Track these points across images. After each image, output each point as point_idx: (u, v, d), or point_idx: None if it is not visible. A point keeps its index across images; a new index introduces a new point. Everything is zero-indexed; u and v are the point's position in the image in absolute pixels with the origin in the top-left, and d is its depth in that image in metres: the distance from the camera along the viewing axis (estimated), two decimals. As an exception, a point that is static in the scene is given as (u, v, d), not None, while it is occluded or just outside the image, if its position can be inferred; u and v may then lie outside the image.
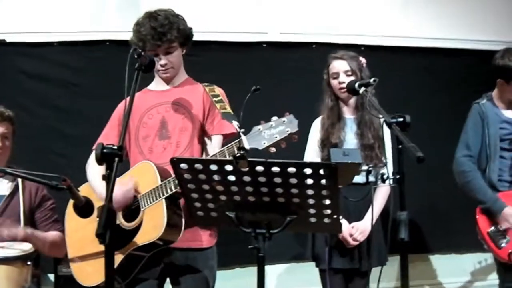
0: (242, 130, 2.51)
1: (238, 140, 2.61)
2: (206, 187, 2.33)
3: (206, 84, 3.16)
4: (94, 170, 3.12)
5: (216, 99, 2.97)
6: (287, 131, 2.38)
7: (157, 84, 3.29)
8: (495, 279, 4.11)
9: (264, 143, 2.39)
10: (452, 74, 5.41)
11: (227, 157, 2.65)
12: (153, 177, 2.89)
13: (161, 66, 3.13)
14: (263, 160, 2.19)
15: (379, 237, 3.65)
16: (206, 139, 3.17)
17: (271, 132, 2.39)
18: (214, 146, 3.08)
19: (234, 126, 2.63)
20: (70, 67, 4.80)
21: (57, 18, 4.79)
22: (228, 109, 2.90)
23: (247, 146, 2.51)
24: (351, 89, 3.16)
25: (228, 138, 3.07)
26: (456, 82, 5.38)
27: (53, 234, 3.52)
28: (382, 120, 2.88)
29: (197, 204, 2.41)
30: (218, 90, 3.09)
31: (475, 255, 5.22)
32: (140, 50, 2.74)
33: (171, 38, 3.07)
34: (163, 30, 3.04)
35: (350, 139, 3.65)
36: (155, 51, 3.07)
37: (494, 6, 5.63)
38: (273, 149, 2.42)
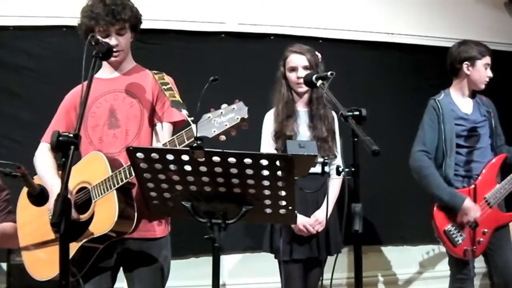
0: (191, 118, 2.50)
1: (188, 128, 2.61)
2: (162, 176, 2.31)
3: (155, 72, 3.13)
4: (42, 163, 3.09)
5: (165, 87, 2.95)
6: (237, 118, 2.35)
7: (104, 72, 3.21)
8: (446, 270, 4.18)
9: (214, 131, 2.37)
10: (407, 68, 5.50)
11: (177, 146, 2.63)
12: (104, 168, 2.85)
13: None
14: (220, 150, 2.19)
15: (335, 226, 3.70)
16: (155, 127, 3.10)
17: (221, 119, 2.36)
18: (164, 134, 3.04)
19: (183, 114, 2.62)
20: (25, 52, 4.72)
21: (12, 2, 4.69)
22: (178, 98, 2.88)
23: (196, 135, 2.50)
24: (308, 82, 3.17)
25: (178, 127, 3.04)
26: (411, 76, 5.48)
27: (4, 226, 3.35)
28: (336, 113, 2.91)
29: (153, 194, 2.39)
30: (167, 78, 3.07)
31: (427, 247, 5.32)
32: (95, 35, 2.72)
33: (125, 18, 3.03)
34: (117, 8, 2.99)
35: (304, 131, 3.67)
36: (107, 31, 3.01)
37: (450, 4, 5.73)
38: (223, 137, 2.39)
